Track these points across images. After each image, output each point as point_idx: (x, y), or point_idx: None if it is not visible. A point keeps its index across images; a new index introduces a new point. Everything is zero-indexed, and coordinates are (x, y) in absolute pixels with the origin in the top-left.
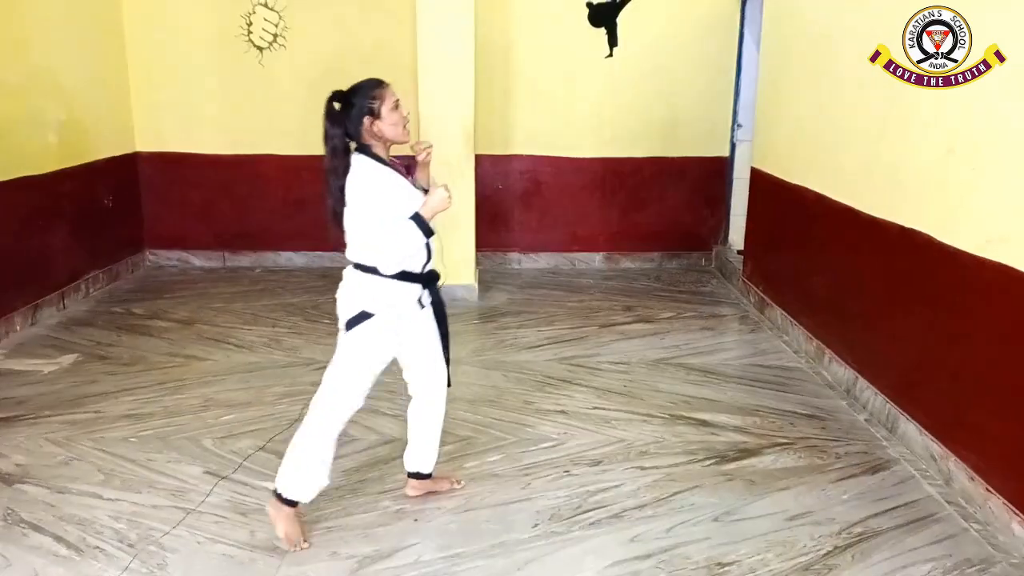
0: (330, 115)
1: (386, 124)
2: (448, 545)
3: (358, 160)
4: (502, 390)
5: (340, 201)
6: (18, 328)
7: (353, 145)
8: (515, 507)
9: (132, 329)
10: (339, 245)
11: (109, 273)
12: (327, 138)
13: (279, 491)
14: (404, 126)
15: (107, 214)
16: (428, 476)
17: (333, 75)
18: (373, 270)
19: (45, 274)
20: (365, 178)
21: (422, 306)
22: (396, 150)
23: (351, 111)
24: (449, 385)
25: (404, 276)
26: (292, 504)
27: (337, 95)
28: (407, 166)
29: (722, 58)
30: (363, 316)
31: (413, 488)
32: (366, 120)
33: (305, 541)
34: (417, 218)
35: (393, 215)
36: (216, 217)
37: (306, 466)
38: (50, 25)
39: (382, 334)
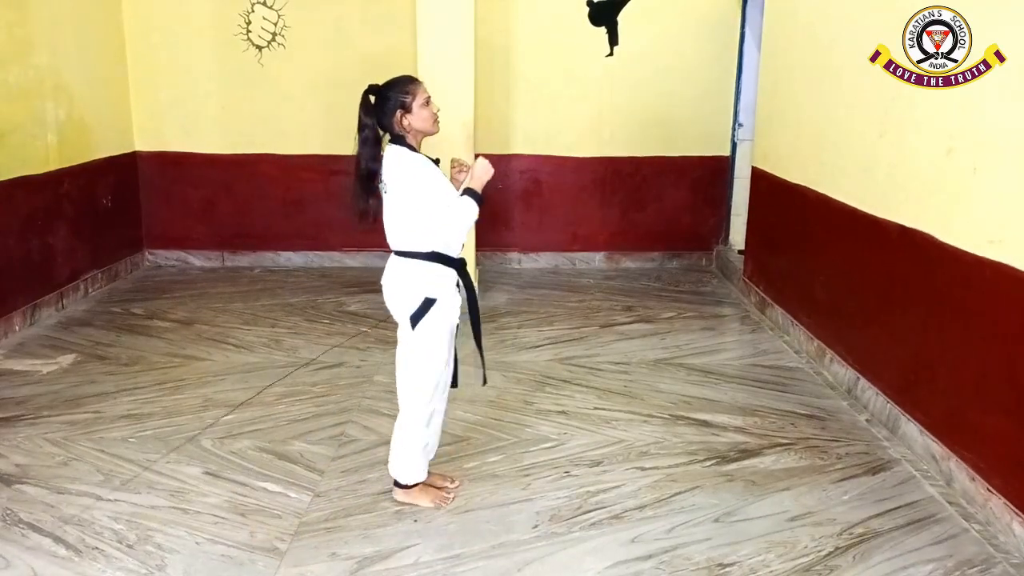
0: (365, 106)
1: (416, 118)
2: (448, 546)
3: (396, 150)
4: (502, 390)
5: (368, 190)
6: (17, 328)
7: (387, 137)
8: (515, 508)
9: (131, 329)
10: (368, 236)
11: (108, 273)
12: (362, 127)
13: (401, 482)
14: (435, 120)
15: (106, 214)
16: (404, 487)
17: (332, 74)
18: (425, 255)
19: (44, 274)
20: (407, 166)
21: (458, 288)
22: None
23: (385, 104)
24: (485, 383)
25: (443, 260)
26: (415, 485)
27: (372, 88)
28: (435, 160)
29: (723, 57)
30: (427, 304)
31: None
32: (398, 113)
33: (449, 491)
34: (471, 192)
35: (441, 198)
36: (215, 217)
37: (413, 454)
38: (50, 24)
39: (448, 313)
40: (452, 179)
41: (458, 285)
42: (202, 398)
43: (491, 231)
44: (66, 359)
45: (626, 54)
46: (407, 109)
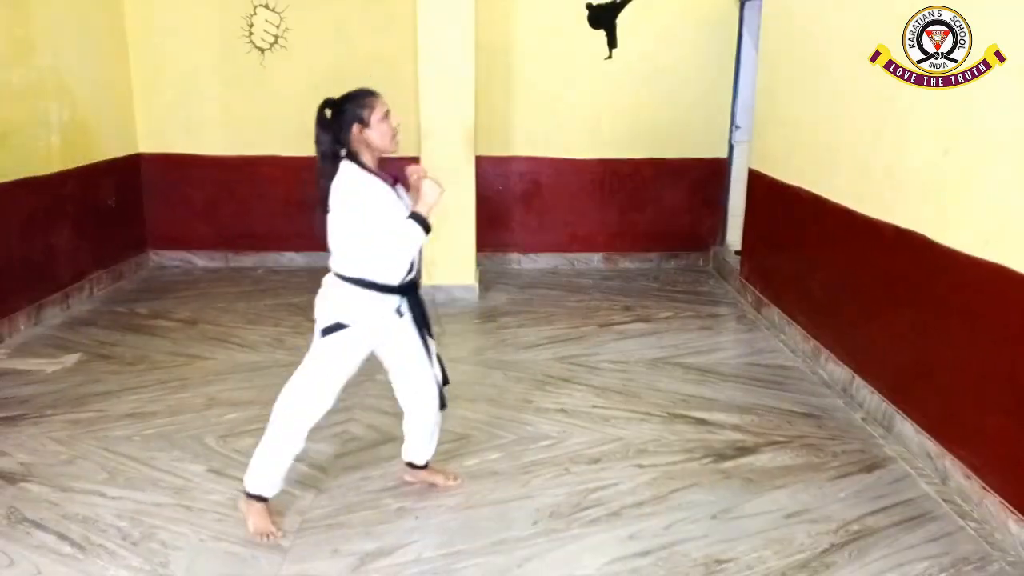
0: (321, 121)
1: (374, 133)
2: (448, 542)
3: (344, 167)
4: (502, 389)
5: (326, 204)
6: (22, 328)
7: (343, 152)
8: (515, 505)
9: (135, 329)
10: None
11: (113, 273)
12: (317, 143)
13: (248, 489)
14: (393, 136)
15: (110, 214)
16: (423, 467)
17: (334, 77)
18: (353, 280)
19: (49, 274)
20: (348, 185)
21: (401, 315)
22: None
23: (342, 118)
24: (447, 383)
25: (383, 288)
26: (261, 500)
27: (329, 102)
28: (395, 176)
29: (720, 60)
30: (338, 326)
31: (408, 474)
32: (355, 127)
33: (279, 531)
34: (416, 216)
35: (380, 223)
36: (219, 218)
37: (274, 465)
38: (53, 26)
39: (355, 344)
40: (413, 189)
41: (400, 311)
42: (206, 397)
43: (491, 232)
44: (71, 358)
45: (624, 57)
46: (365, 123)
